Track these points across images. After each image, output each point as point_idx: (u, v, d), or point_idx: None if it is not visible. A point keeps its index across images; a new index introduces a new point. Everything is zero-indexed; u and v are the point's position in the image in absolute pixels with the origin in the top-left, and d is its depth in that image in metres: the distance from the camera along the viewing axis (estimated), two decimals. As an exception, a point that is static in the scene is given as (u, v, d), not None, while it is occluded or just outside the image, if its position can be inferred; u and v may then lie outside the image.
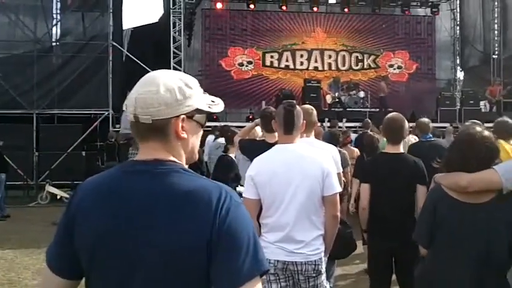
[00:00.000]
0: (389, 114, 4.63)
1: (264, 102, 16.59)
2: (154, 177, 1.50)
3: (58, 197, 12.46)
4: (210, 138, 10.73)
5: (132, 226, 1.46)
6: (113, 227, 1.48)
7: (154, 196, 1.47)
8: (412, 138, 7.84)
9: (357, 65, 20.90)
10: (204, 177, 1.59)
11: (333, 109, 16.42)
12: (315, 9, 19.85)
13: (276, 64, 20.27)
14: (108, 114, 14.68)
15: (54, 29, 15.85)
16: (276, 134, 4.67)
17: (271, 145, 4.53)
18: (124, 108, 1.57)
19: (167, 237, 1.44)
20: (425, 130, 6.57)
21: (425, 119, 6.92)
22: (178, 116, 1.52)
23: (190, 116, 1.56)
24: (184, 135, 1.55)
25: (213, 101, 1.63)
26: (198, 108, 1.57)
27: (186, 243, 1.43)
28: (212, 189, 1.49)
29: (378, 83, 18.58)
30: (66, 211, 1.58)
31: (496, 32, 20.36)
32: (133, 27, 19.62)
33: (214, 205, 1.45)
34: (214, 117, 15.39)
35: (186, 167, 1.60)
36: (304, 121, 3.59)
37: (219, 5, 18.96)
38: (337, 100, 16.76)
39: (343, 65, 20.74)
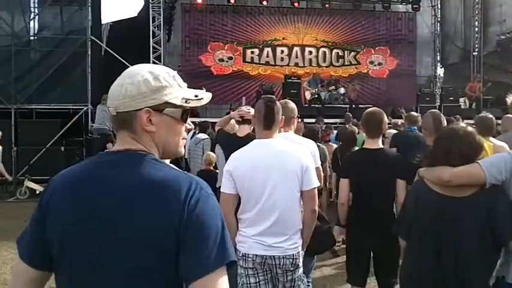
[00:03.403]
0: (369, 109, 4.62)
1: (244, 98, 16.55)
2: (124, 166, 1.53)
3: (37, 192, 12.30)
4: (190, 134, 10.64)
5: (101, 215, 1.48)
6: (82, 216, 1.49)
7: (123, 185, 1.49)
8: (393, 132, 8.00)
9: (338, 61, 20.93)
10: (176, 167, 1.60)
11: (312, 105, 16.43)
12: (296, 4, 19.81)
13: (256, 60, 20.21)
14: (87, 109, 14.54)
15: (31, 23, 15.60)
16: (247, 126, 4.72)
17: (241, 139, 4.57)
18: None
19: (136, 226, 1.45)
20: (414, 122, 6.83)
21: (415, 113, 7.31)
22: (142, 109, 1.53)
23: (159, 109, 1.56)
24: (150, 128, 1.56)
25: (196, 96, 1.64)
26: (168, 101, 1.56)
27: (155, 232, 1.44)
28: (182, 180, 1.50)
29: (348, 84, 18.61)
30: (39, 203, 1.60)
31: (476, 29, 20.48)
32: (112, 22, 19.42)
33: (183, 195, 1.46)
34: (195, 112, 15.37)
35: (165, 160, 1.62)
36: (283, 116, 3.59)
37: (199, 0, 18.89)
38: (316, 96, 16.76)
39: (324, 61, 20.76)
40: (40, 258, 1.57)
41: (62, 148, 14.23)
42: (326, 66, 20.65)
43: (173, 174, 1.53)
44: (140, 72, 1.55)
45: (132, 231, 1.45)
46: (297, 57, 20.54)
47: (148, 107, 1.54)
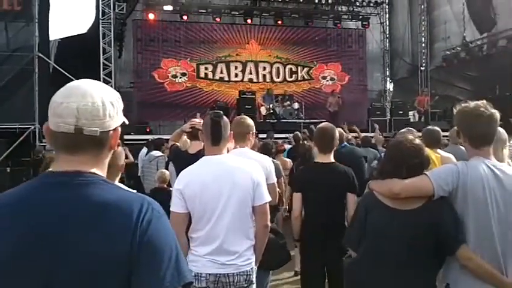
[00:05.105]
0: (321, 124, 4.67)
1: (198, 114, 16.43)
2: (73, 188, 1.45)
3: (-19, 215, 11.83)
4: (143, 151, 10.44)
5: (48, 239, 1.39)
6: (27, 241, 1.39)
7: (72, 208, 1.42)
8: None
9: (291, 77, 21.19)
10: (126, 188, 1.58)
11: (267, 121, 16.50)
12: (249, 21, 20.02)
13: (210, 76, 20.21)
14: (35, 128, 14.14)
15: (-25, 39, 15.11)
16: (199, 143, 4.61)
17: (192, 155, 4.46)
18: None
19: (85, 250, 1.38)
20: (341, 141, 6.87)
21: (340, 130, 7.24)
22: (116, 128, 1.55)
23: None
24: (116, 145, 1.57)
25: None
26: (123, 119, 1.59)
27: (106, 256, 1.38)
28: (133, 201, 1.46)
29: (326, 98, 18.74)
30: None
31: (423, 45, 21.33)
32: (61, 38, 19.03)
33: (135, 216, 1.42)
34: (148, 129, 15.15)
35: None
36: (232, 132, 3.53)
37: (151, 16, 18.75)
38: (271, 112, 16.85)
39: (278, 77, 20.99)
40: None
41: (8, 169, 13.81)
42: (280, 82, 20.86)
43: (124, 195, 1.50)
44: (109, 92, 1.55)
45: (83, 254, 1.38)
46: (251, 73, 20.66)
47: (118, 125, 1.56)
